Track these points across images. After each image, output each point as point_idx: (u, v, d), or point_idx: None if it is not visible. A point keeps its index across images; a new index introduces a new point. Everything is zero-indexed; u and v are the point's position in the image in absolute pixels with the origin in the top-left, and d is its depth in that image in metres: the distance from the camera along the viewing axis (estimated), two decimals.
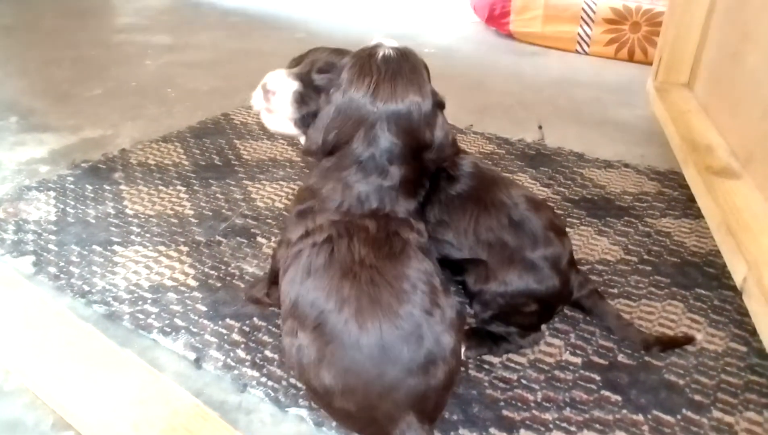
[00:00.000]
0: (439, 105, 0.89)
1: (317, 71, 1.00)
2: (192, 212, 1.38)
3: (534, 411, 0.87)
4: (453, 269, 0.99)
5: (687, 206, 1.41)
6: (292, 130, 1.03)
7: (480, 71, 2.42)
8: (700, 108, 1.62)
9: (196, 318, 1.06)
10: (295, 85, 1.00)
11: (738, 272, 1.03)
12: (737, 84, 1.40)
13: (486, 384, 0.92)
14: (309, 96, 0.99)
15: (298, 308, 0.79)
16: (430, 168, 0.93)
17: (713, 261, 1.21)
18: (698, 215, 1.32)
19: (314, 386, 0.77)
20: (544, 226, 0.94)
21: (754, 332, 0.99)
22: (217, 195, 1.45)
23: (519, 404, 0.89)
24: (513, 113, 2.01)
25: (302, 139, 1.03)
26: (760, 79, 1.27)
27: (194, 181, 1.51)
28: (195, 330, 1.03)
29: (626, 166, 1.62)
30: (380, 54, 0.86)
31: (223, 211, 1.39)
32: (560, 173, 1.58)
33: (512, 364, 0.96)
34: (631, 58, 2.51)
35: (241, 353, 0.98)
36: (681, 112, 1.62)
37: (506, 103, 2.10)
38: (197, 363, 0.97)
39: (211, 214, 1.38)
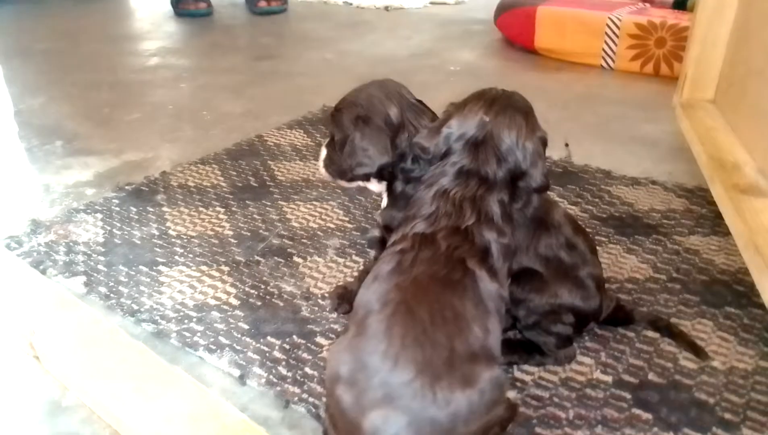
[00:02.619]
0: (542, 141, 0.93)
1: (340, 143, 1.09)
2: (231, 233, 1.44)
3: (566, 428, 0.90)
4: None
5: (715, 223, 1.43)
6: (353, 185, 1.16)
7: (505, 87, 2.45)
8: (726, 125, 1.63)
9: (239, 336, 1.11)
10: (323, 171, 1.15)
11: (766, 290, 1.04)
12: (763, 100, 1.41)
13: (519, 402, 0.95)
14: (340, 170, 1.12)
15: (356, 310, 0.81)
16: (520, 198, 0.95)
17: (742, 279, 1.23)
18: (727, 232, 1.33)
19: (329, 371, 0.78)
20: (589, 249, 1.03)
21: None
22: (254, 215, 1.51)
23: (552, 422, 0.92)
24: None
25: (373, 188, 1.14)
26: None
27: (232, 202, 1.58)
28: (238, 347, 1.08)
29: (653, 183, 1.64)
30: (495, 90, 0.96)
31: (261, 231, 1.45)
32: (588, 191, 1.60)
33: (544, 383, 0.99)
34: (656, 73, 2.52)
35: (283, 370, 1.03)
36: (707, 128, 1.63)
37: None
38: (242, 380, 1.02)
39: (249, 234, 1.44)
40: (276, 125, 2.05)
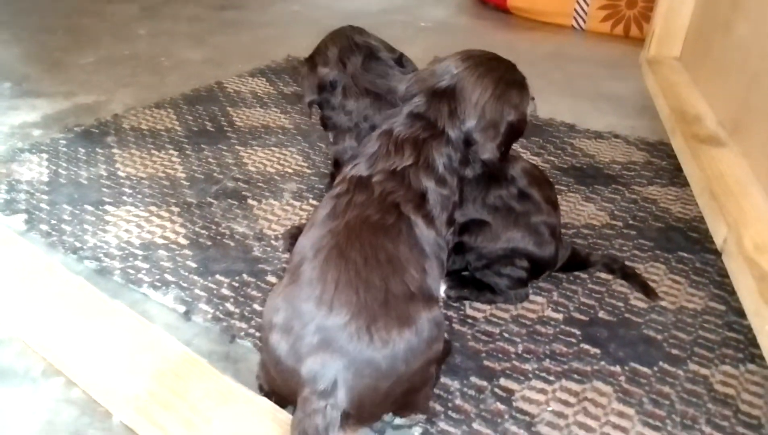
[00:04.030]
0: (511, 124, 0.87)
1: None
2: (184, 175, 1.39)
3: (514, 362, 0.90)
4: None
5: (674, 175, 1.43)
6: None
7: (475, 45, 2.38)
8: (690, 80, 1.62)
9: (186, 274, 1.07)
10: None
11: (719, 234, 1.05)
12: (726, 54, 1.41)
13: (469, 337, 0.94)
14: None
15: (293, 257, 0.78)
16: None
17: (697, 226, 1.23)
18: (684, 183, 1.34)
19: (264, 319, 0.75)
20: (544, 199, 1.01)
21: (733, 292, 1.01)
22: (209, 159, 1.46)
23: (500, 355, 0.91)
24: None
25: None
26: (749, 48, 1.28)
27: (186, 146, 1.52)
28: (185, 285, 1.05)
29: (616, 136, 1.63)
30: (484, 51, 0.91)
31: (215, 174, 1.40)
32: (551, 143, 1.59)
33: (495, 319, 0.98)
34: (626, 34, 2.50)
35: (230, 306, 1.00)
36: (671, 83, 1.62)
37: None
38: (186, 315, 0.98)
39: (202, 177, 1.39)
40: (237, 73, 1.98)
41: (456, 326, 0.97)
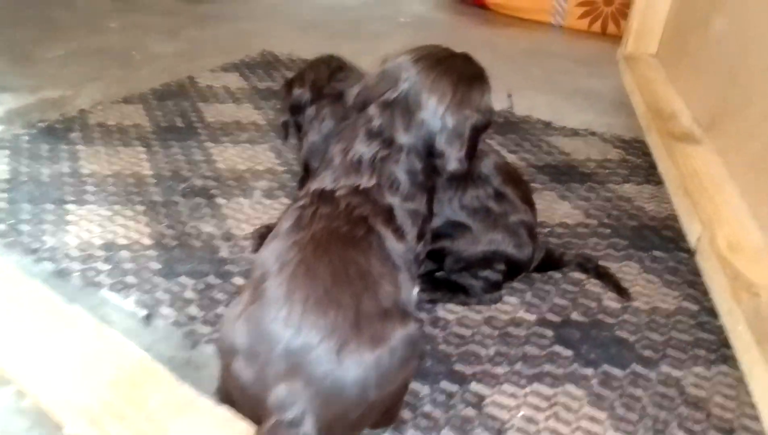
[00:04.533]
0: (474, 127, 0.81)
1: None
2: (150, 173, 1.35)
3: (486, 365, 0.88)
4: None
5: (649, 173, 1.42)
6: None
7: (453, 41, 2.34)
8: (667, 77, 1.62)
9: (149, 276, 1.04)
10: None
11: (692, 232, 1.04)
12: (703, 51, 1.40)
13: (440, 340, 0.92)
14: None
15: (253, 270, 0.74)
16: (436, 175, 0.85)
17: (671, 225, 1.22)
18: (659, 181, 1.33)
19: (223, 343, 0.71)
20: (520, 198, 0.99)
21: (706, 292, 1.00)
22: (178, 156, 1.42)
23: (471, 359, 0.89)
24: None
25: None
26: (726, 45, 1.27)
27: (154, 143, 1.47)
28: (147, 287, 1.01)
29: (592, 134, 1.62)
30: (436, 46, 0.84)
31: (183, 172, 1.36)
32: (527, 140, 1.57)
33: (467, 321, 0.96)
34: (604, 31, 2.50)
35: (194, 310, 0.97)
36: (648, 80, 1.61)
37: None
38: (147, 319, 0.95)
39: (170, 174, 1.35)
40: (210, 67, 1.93)
41: (427, 329, 0.94)
